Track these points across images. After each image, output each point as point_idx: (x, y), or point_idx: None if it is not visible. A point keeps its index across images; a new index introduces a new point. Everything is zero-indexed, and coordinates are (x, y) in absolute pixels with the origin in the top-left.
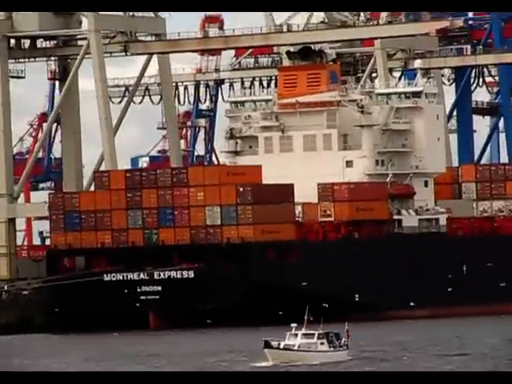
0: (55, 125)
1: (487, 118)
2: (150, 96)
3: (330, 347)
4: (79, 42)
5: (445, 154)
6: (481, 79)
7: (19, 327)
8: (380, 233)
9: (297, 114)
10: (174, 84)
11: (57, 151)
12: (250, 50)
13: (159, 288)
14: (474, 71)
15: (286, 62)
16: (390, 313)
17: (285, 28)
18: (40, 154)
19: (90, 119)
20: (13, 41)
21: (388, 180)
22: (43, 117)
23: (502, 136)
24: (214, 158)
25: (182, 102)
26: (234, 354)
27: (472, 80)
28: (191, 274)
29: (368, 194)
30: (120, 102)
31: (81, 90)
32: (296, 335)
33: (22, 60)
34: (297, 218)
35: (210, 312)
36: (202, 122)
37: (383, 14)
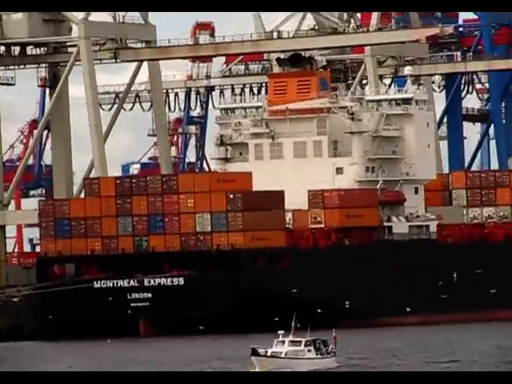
0: (46, 132)
1: (477, 124)
2: (140, 103)
3: (317, 354)
4: (69, 49)
5: (435, 161)
6: (471, 86)
7: (9, 334)
8: (370, 239)
9: (287, 121)
10: (164, 91)
11: (47, 158)
12: (241, 57)
13: (149, 295)
14: (464, 78)
15: (276, 69)
16: (380, 319)
17: (275, 35)
18: (31, 161)
19: (81, 126)
20: (2, 48)
21: (378, 187)
22: (34, 124)
23: (493, 143)
24: (205, 165)
25: (172, 109)
26: (224, 362)
27: (462, 87)
28: (181, 281)
29: (358, 200)
30: (110, 108)
31: (71, 97)
32: (283, 342)
33: (11, 67)
34: (287, 225)
35: (201, 319)
36: (193, 128)
37: (373, 21)
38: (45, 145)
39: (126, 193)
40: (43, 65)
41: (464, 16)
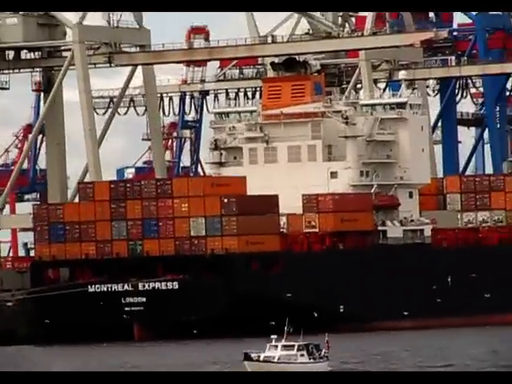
0: (41, 136)
1: (472, 129)
2: (134, 107)
3: (309, 359)
4: (63, 54)
5: (429, 165)
6: (465, 90)
7: (3, 339)
8: (365, 244)
9: (281, 125)
10: (158, 95)
11: (42, 162)
12: (235, 61)
13: (143, 299)
14: (458, 82)
15: (271, 73)
16: (374, 324)
17: (269, 39)
18: (25, 166)
19: (75, 130)
20: None
21: (373, 191)
22: (28, 128)
23: (487, 147)
24: (199, 170)
25: (166, 113)
26: (219, 366)
27: (457, 91)
28: (175, 286)
29: (353, 204)
30: (105, 113)
31: (65, 102)
32: (276, 347)
33: (6, 71)
34: (281, 229)
35: (195, 323)
36: (188, 133)
37: (368, 26)
38: (39, 149)
39: (121, 197)
40: (37, 69)
41: (458, 20)
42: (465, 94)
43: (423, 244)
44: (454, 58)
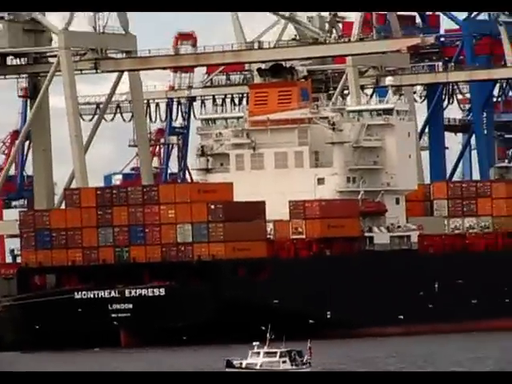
0: (28, 142)
1: (459, 135)
2: (121, 113)
3: (292, 365)
4: (50, 60)
5: (416, 171)
6: (453, 96)
7: None
8: (351, 250)
9: (268, 132)
10: (145, 101)
11: (29, 169)
12: (222, 67)
13: (130, 306)
14: (445, 88)
15: (257, 79)
16: (361, 330)
17: (256, 45)
18: (13, 172)
19: (61, 136)
20: None
21: (359, 197)
22: (15, 134)
23: (474, 153)
24: (187, 176)
25: (153, 120)
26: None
27: (444, 97)
28: (162, 292)
29: (339, 211)
30: (91, 119)
31: (51, 108)
32: (258, 354)
33: None
34: (268, 236)
35: (182, 329)
36: (175, 139)
37: (355, 32)
38: (27, 155)
39: (107, 203)
40: (24, 75)
41: (445, 26)
42: (452, 100)
43: (410, 250)
44: (441, 63)
